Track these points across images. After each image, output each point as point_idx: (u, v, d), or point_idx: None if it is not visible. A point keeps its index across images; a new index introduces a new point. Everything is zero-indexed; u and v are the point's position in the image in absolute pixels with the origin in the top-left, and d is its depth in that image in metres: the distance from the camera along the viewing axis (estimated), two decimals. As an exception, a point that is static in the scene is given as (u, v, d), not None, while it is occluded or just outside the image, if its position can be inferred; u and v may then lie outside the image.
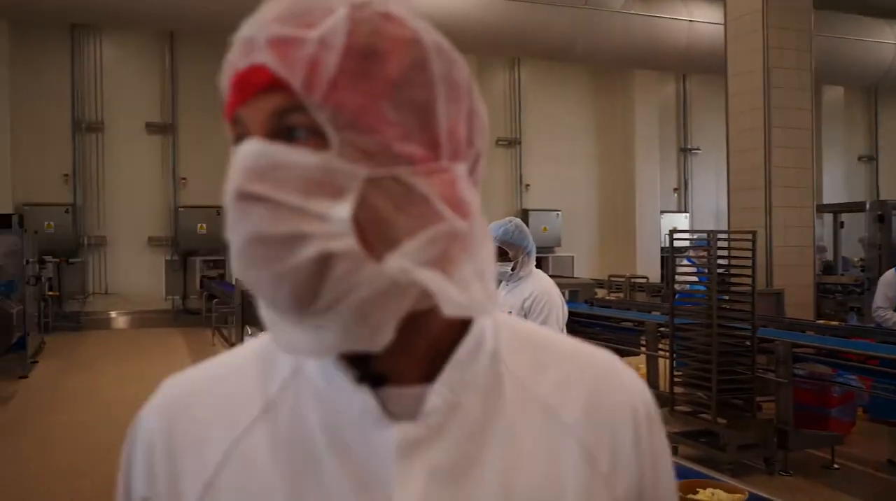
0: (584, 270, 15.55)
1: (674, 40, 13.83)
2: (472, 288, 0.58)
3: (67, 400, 7.60)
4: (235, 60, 0.59)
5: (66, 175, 13.58)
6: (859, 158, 18.57)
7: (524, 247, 3.68)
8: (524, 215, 14.86)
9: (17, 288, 8.80)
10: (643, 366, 6.63)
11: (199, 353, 10.58)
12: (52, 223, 13.12)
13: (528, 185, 16.09)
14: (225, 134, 0.61)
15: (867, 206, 10.18)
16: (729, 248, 5.59)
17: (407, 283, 0.56)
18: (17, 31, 13.06)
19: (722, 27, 8.77)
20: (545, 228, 15.48)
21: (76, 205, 13.52)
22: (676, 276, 6.34)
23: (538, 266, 3.84)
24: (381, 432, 0.60)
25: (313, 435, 0.62)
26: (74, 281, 13.52)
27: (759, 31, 7.98)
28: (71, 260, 13.33)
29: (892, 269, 5.96)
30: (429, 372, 0.62)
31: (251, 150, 0.56)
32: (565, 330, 3.71)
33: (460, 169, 0.60)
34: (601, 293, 10.28)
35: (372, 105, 0.56)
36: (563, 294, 3.94)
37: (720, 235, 5.55)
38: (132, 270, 13.95)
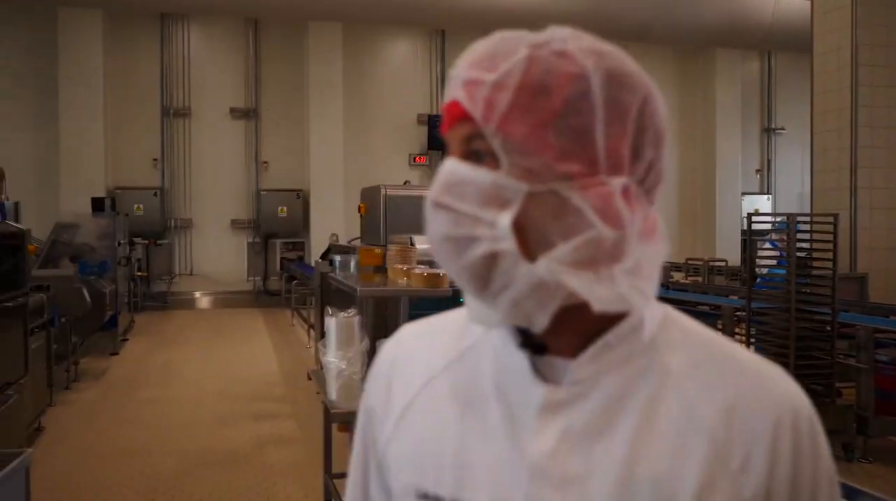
0: (662, 253, 15.29)
1: (758, 16, 13.43)
2: (619, 286, 0.69)
3: (154, 376, 7.96)
4: (446, 94, 0.73)
5: (155, 159, 14.10)
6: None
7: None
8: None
9: (109, 268, 9.12)
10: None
11: (279, 334, 10.90)
12: (141, 206, 13.62)
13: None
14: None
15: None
16: (811, 231, 5.47)
17: (554, 283, 0.67)
18: (111, 21, 13.62)
19: (808, 2, 8.48)
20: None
21: (164, 189, 14.03)
22: (757, 260, 6.22)
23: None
24: (533, 389, 0.73)
25: (485, 383, 0.77)
26: (161, 263, 14.02)
27: (848, 7, 7.70)
28: (158, 241, 13.86)
29: None
30: (583, 347, 0.73)
31: (447, 169, 0.71)
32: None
33: (618, 182, 0.69)
34: (678, 277, 10.12)
35: (536, 133, 0.68)
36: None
37: (800, 218, 5.43)
38: (215, 252, 14.41)
